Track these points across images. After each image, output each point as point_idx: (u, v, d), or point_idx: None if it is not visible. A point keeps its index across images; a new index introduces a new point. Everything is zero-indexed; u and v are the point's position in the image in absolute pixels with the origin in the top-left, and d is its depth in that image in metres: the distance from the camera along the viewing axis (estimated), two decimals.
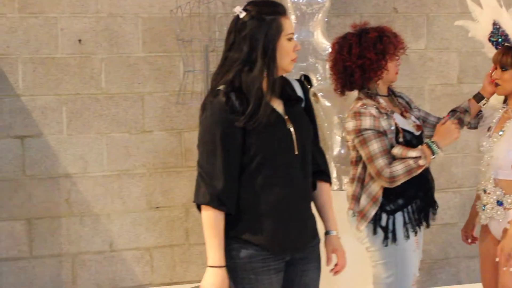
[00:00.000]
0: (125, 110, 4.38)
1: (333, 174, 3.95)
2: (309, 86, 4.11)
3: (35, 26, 4.22)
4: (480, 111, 3.41)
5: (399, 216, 3.13)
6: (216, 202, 2.48)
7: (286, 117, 2.59)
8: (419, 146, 3.09)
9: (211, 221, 2.50)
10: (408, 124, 3.18)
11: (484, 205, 3.29)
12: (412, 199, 3.15)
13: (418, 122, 3.24)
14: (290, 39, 2.56)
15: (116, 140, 4.38)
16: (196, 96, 4.20)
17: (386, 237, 3.11)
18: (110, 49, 4.33)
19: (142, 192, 4.43)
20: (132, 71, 4.38)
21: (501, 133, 3.25)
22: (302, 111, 2.69)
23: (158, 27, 4.39)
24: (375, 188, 3.10)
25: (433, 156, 3.08)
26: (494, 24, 3.41)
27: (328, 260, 2.75)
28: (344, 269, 2.78)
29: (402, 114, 3.20)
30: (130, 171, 4.41)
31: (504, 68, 3.26)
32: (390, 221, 3.12)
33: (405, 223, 3.13)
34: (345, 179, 3.92)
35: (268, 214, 2.53)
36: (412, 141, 3.13)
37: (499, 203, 3.23)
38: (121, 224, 4.42)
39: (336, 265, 2.77)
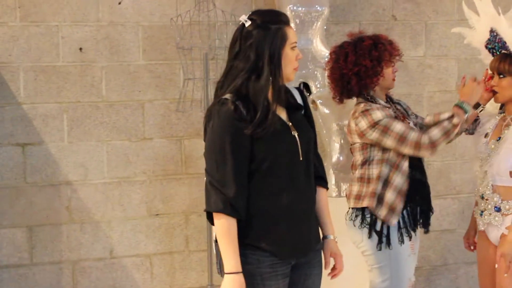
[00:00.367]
0: (125, 117, 4.40)
1: (332, 181, 3.96)
2: (308, 94, 4.13)
3: (37, 34, 4.24)
4: (477, 117, 3.43)
5: None
6: (229, 209, 2.49)
7: (290, 124, 2.63)
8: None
9: (225, 228, 2.50)
10: None
11: (482, 211, 3.30)
12: (407, 204, 3.17)
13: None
14: (293, 48, 2.60)
15: (116, 147, 4.40)
16: (196, 104, 4.22)
17: (380, 241, 3.13)
18: (110, 57, 4.35)
19: (142, 199, 4.44)
20: (132, 79, 4.40)
21: (498, 139, 3.27)
22: (304, 118, 2.72)
23: (158, 35, 4.40)
24: (400, 181, 3.12)
25: (466, 115, 3.13)
26: (491, 31, 3.42)
27: (326, 264, 2.77)
28: (341, 273, 2.80)
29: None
30: (131, 178, 4.42)
31: (501, 75, 3.27)
32: (385, 226, 3.14)
33: (399, 228, 3.16)
34: (344, 186, 3.94)
35: (276, 220, 2.56)
36: None
37: (497, 209, 3.24)
38: (121, 231, 4.42)
39: (334, 269, 2.79)
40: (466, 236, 3.58)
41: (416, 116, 3.37)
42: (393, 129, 3.08)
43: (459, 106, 3.18)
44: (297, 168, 2.60)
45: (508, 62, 3.26)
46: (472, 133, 3.46)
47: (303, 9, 4.08)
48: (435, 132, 3.08)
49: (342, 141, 3.97)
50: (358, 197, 3.19)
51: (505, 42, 3.38)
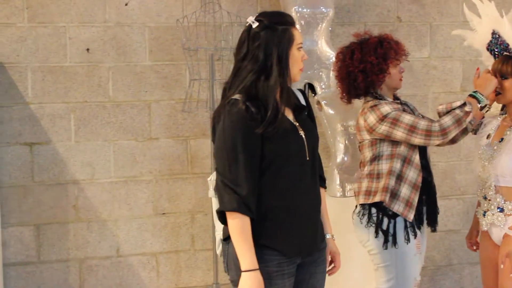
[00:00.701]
0: (132, 117, 4.42)
1: (336, 181, 3.97)
2: (313, 94, 4.15)
3: (44, 35, 4.27)
4: (483, 117, 3.44)
5: (400, 220, 3.17)
6: (243, 208, 2.49)
7: (297, 124, 2.65)
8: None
9: (240, 227, 2.50)
10: None
11: (485, 212, 3.31)
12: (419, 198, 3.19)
13: None
14: (299, 49, 2.62)
15: (123, 147, 4.42)
16: (201, 104, 4.24)
17: (386, 240, 3.15)
18: (117, 58, 4.37)
19: (148, 199, 4.46)
20: (139, 79, 4.42)
21: (501, 141, 3.29)
22: (308, 118, 2.74)
23: (165, 36, 4.42)
24: (414, 175, 3.14)
25: (480, 104, 3.14)
26: (494, 33, 3.43)
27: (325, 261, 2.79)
28: (338, 270, 2.82)
29: None
30: (137, 178, 4.45)
31: (504, 76, 3.28)
32: (391, 225, 3.15)
33: (406, 227, 3.17)
34: (348, 186, 3.95)
35: (284, 219, 2.57)
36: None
37: (500, 209, 3.25)
38: (128, 230, 4.45)
39: (333, 266, 2.82)
40: (468, 236, 3.59)
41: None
42: (402, 120, 3.10)
43: (472, 95, 3.18)
44: (304, 167, 2.62)
45: (511, 64, 3.27)
46: (475, 133, 3.48)
47: (308, 10, 4.09)
48: (447, 120, 3.09)
49: (347, 142, 3.98)
50: (368, 192, 3.19)
51: (508, 44, 3.39)
